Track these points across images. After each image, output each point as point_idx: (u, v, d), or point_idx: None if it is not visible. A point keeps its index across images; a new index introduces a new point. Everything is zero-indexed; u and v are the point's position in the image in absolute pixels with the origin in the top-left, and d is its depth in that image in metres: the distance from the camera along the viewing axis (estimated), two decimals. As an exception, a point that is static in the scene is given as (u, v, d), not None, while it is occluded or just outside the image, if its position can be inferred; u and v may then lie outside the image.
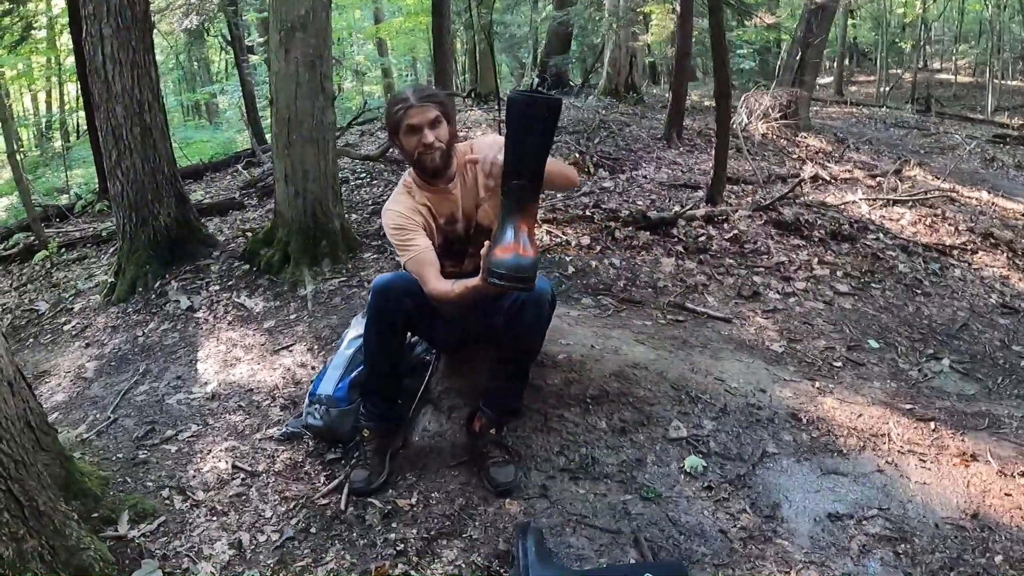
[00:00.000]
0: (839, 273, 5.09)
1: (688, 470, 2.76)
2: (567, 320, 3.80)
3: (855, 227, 5.97)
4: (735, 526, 2.51)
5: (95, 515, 2.54)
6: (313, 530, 2.49)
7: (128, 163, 5.19)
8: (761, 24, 13.84)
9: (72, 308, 5.44)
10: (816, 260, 5.28)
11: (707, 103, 13.13)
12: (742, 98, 10.54)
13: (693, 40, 10.52)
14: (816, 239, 5.68)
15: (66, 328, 5.12)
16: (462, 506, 2.60)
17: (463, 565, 2.33)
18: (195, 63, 21.09)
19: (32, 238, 7.11)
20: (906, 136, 11.78)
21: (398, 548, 2.38)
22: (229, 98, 15.33)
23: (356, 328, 3.16)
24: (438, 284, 2.61)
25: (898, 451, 2.84)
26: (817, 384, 3.41)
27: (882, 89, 19.04)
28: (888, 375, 3.69)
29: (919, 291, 4.90)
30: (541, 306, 2.61)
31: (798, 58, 11.07)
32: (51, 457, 2.50)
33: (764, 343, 3.95)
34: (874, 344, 4.06)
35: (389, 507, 2.60)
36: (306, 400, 3.05)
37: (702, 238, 5.60)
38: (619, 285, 4.75)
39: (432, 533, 2.45)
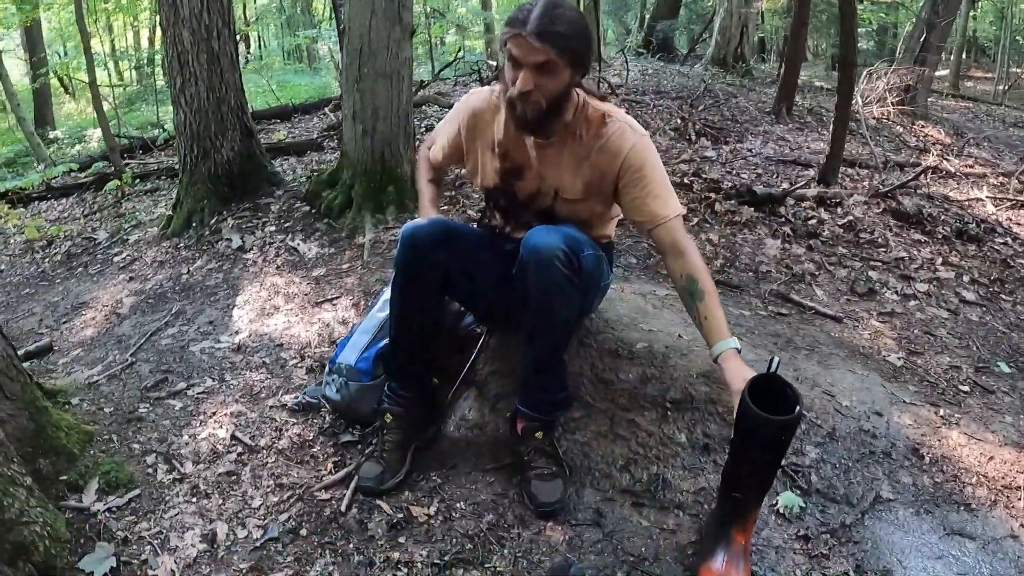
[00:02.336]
0: (965, 278, 4.36)
1: (782, 510, 2.14)
2: (652, 300, 3.19)
3: (981, 228, 5.20)
4: (833, 597, 1.92)
5: (63, 478, 2.15)
6: (303, 532, 2.01)
7: (192, 91, 4.90)
8: (884, 1, 12.79)
9: (128, 239, 5.21)
10: (940, 260, 4.56)
11: (817, 83, 12.26)
12: (861, 76, 9.67)
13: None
14: (940, 236, 4.94)
15: (116, 259, 4.86)
16: (491, 525, 2.07)
17: (475, 608, 1.81)
18: (298, 7, 21.01)
19: (110, 168, 6.98)
20: (1027, 138, 10.67)
21: (399, 573, 1.88)
22: (328, 43, 15.05)
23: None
24: (423, 152, 2.50)
25: None
26: (941, 412, 2.72)
27: (1000, 87, 17.60)
28: (1021, 408, 3.00)
29: (1055, 309, 4.14)
30: (548, 269, 1.99)
31: (920, 40, 10.07)
32: (17, 407, 2.12)
33: (880, 352, 3.29)
34: (1005, 368, 3.36)
35: (400, 515, 2.09)
36: (327, 366, 2.59)
37: (812, 221, 4.93)
38: (715, 265, 4.14)
39: (447, 558, 1.92)
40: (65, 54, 17.21)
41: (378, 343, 2.50)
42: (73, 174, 7.60)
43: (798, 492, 2.21)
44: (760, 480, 1.87)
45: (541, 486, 2.15)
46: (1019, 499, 2.25)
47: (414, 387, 2.36)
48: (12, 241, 5.76)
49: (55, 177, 7.45)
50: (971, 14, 19.70)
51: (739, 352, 2.00)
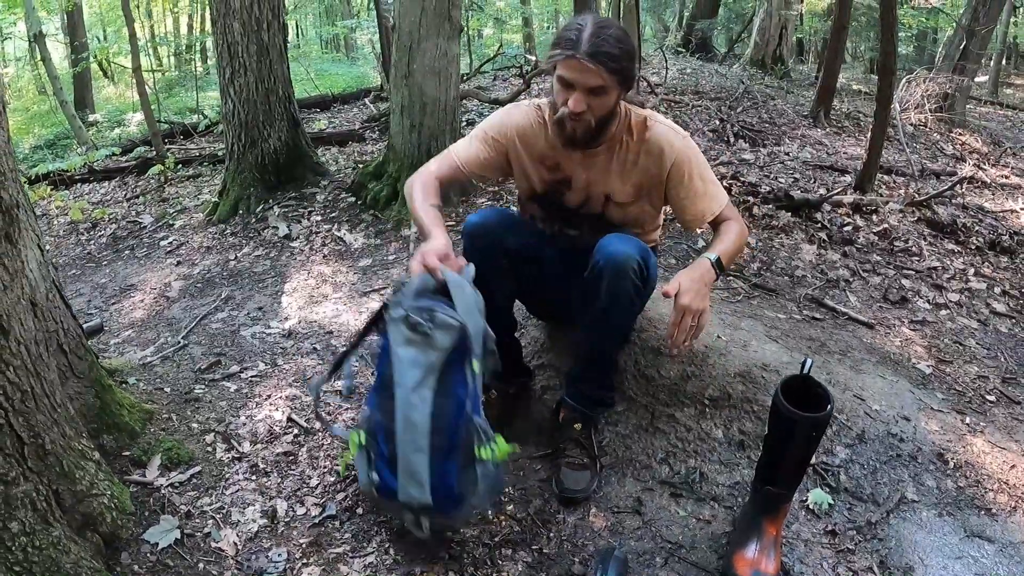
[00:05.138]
0: (996, 290, 4.36)
1: (811, 506, 2.22)
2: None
3: (1015, 239, 5.17)
4: (858, 589, 1.98)
5: (126, 454, 2.24)
6: (360, 511, 2.10)
7: (241, 81, 5.01)
8: (925, 6, 12.61)
9: (173, 224, 5.32)
10: (972, 271, 4.57)
11: (855, 87, 12.14)
12: (899, 83, 9.58)
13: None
14: (973, 247, 4.93)
15: (162, 244, 4.98)
16: (537, 509, 2.16)
17: (525, 587, 1.90)
18: (337, -3, 21.17)
19: (152, 152, 7.09)
20: (1066, 149, 10.50)
21: (452, 552, 1.96)
22: (366, 33, 15.15)
23: (405, 348, 1.93)
24: (426, 177, 2.23)
25: None
26: (967, 420, 2.78)
27: (1041, 95, 17.33)
28: (1044, 421, 3.03)
29: (1084, 325, 4.13)
30: (622, 279, 2.06)
31: (960, 47, 9.92)
32: (84, 385, 2.21)
33: (910, 359, 3.34)
34: (1031, 381, 3.39)
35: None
36: (370, 482, 2.01)
37: (848, 228, 4.95)
38: (752, 268, 4.19)
39: (496, 539, 2.01)
40: (105, 39, 17.46)
41: (442, 463, 1.87)
42: (115, 158, 7.68)
43: (827, 490, 2.28)
44: (792, 474, 1.95)
45: (570, 474, 2.23)
46: None
47: (507, 359, 2.40)
48: (56, 223, 5.86)
49: (97, 160, 7.56)
50: (1012, 20, 19.33)
51: (711, 261, 2.06)
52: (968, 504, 2.29)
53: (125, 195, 6.44)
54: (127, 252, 5.00)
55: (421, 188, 2.20)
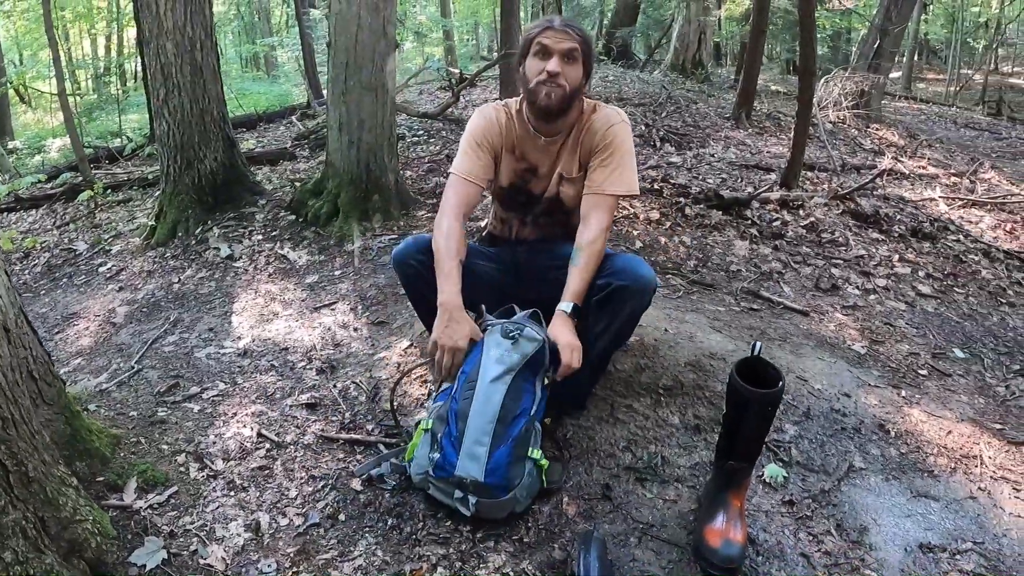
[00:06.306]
0: (921, 273, 4.65)
1: (768, 480, 2.39)
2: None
3: (935, 226, 5.50)
4: (819, 550, 2.14)
5: (100, 479, 2.25)
6: (342, 517, 2.16)
7: (176, 102, 4.97)
8: (839, 8, 13.15)
9: (110, 250, 5.24)
10: (897, 257, 4.86)
11: (773, 87, 12.59)
12: (818, 83, 9.97)
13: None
14: (896, 235, 5.25)
15: (101, 270, 4.90)
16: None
17: (511, 574, 1.99)
18: (255, 14, 20.86)
19: (79, 178, 6.94)
20: (977, 138, 11.03)
21: (439, 552, 2.04)
22: (288, 51, 15.04)
23: (497, 348, 2.24)
24: (446, 222, 2.39)
25: (991, 476, 2.49)
26: (903, 393, 3.02)
27: (952, 88, 18.15)
28: (975, 389, 3.29)
29: (1003, 300, 4.44)
30: (645, 298, 2.33)
31: (874, 46, 10.40)
32: (54, 412, 2.21)
33: (845, 342, 3.56)
34: (959, 354, 3.64)
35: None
36: (428, 468, 2.20)
37: (777, 223, 5.20)
38: (689, 265, 4.37)
39: (479, 534, 2.10)
40: (21, 63, 16.91)
41: (499, 448, 2.12)
42: (40, 185, 7.50)
43: (781, 464, 2.47)
44: (751, 449, 2.11)
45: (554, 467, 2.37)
46: (976, 467, 2.53)
47: None
48: (-16, 253, 5.71)
49: (22, 188, 7.35)
50: (923, 17, 20.21)
51: (567, 314, 2.31)
52: (912, 468, 2.50)
53: (54, 223, 6.30)
54: (64, 280, 4.91)
55: (448, 245, 2.35)
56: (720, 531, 2.05)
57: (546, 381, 2.26)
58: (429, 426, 2.23)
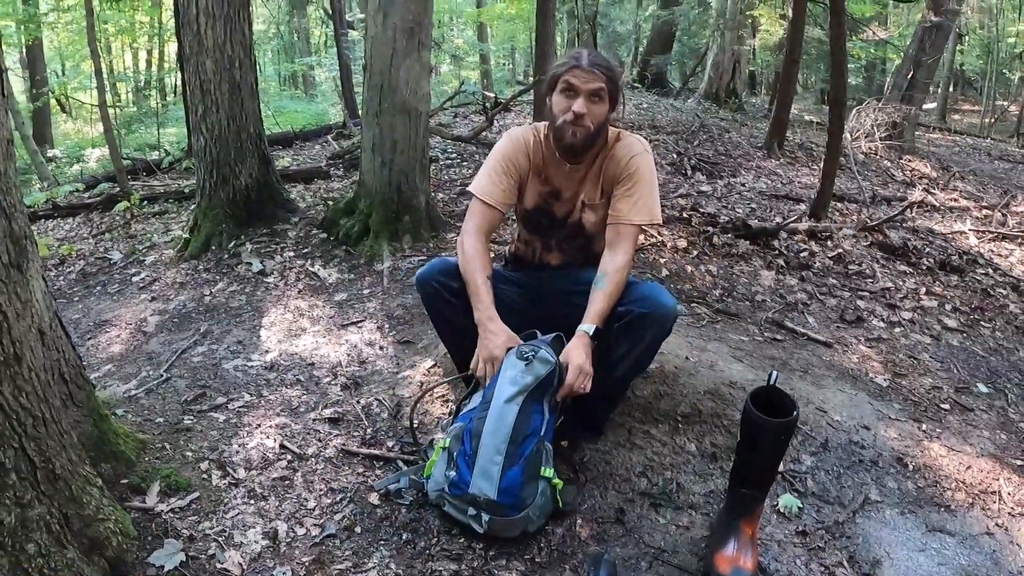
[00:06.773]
0: (947, 307, 4.62)
1: (782, 510, 2.40)
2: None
3: (964, 259, 5.46)
4: (831, 582, 2.14)
5: (124, 481, 2.30)
6: (358, 530, 2.19)
7: (213, 119, 5.08)
8: (873, 39, 13.12)
9: (144, 260, 5.34)
10: (924, 290, 4.83)
11: (807, 117, 12.59)
12: (850, 113, 9.96)
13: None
14: (924, 267, 5.22)
15: (134, 280, 5.00)
16: (528, 523, 2.28)
17: (522, 594, 2.01)
18: (295, 34, 21.24)
19: (116, 189, 7.08)
20: (1011, 170, 10.93)
21: (451, 568, 2.06)
22: (326, 71, 15.30)
23: (512, 369, 2.27)
24: (468, 242, 2.45)
25: (1008, 513, 2.47)
26: (923, 427, 3.01)
27: (987, 120, 17.96)
28: (997, 424, 3.26)
29: (1032, 335, 4.39)
30: (664, 325, 2.36)
31: (908, 77, 10.38)
32: (83, 414, 2.27)
33: (868, 374, 3.55)
34: (983, 388, 3.61)
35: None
36: (443, 485, 2.24)
37: (804, 254, 5.20)
38: (715, 294, 4.38)
39: (492, 552, 2.12)
40: (64, 73, 17.35)
41: (512, 467, 2.15)
42: (78, 194, 7.65)
43: (796, 494, 2.46)
44: (764, 477, 2.12)
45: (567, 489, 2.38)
46: (995, 502, 2.52)
47: None
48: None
49: (60, 196, 7.51)
50: (958, 48, 20.05)
51: (588, 335, 2.34)
52: (928, 502, 2.48)
53: (91, 231, 6.43)
54: (98, 288, 5.01)
55: (474, 260, 2.42)
56: (731, 558, 2.06)
57: (556, 402, 2.30)
58: (447, 444, 2.27)
